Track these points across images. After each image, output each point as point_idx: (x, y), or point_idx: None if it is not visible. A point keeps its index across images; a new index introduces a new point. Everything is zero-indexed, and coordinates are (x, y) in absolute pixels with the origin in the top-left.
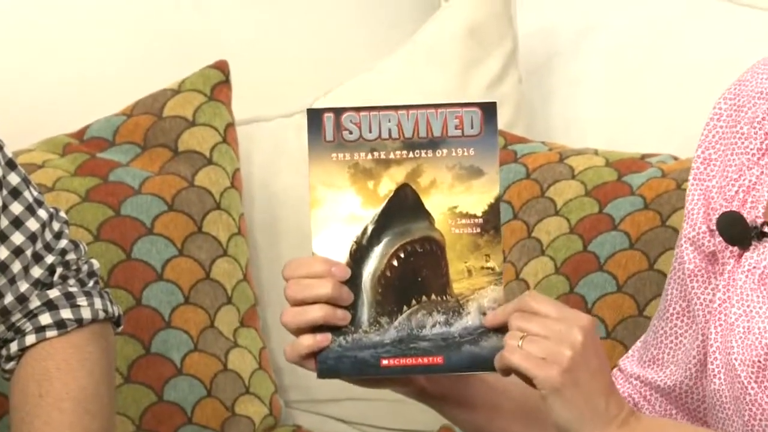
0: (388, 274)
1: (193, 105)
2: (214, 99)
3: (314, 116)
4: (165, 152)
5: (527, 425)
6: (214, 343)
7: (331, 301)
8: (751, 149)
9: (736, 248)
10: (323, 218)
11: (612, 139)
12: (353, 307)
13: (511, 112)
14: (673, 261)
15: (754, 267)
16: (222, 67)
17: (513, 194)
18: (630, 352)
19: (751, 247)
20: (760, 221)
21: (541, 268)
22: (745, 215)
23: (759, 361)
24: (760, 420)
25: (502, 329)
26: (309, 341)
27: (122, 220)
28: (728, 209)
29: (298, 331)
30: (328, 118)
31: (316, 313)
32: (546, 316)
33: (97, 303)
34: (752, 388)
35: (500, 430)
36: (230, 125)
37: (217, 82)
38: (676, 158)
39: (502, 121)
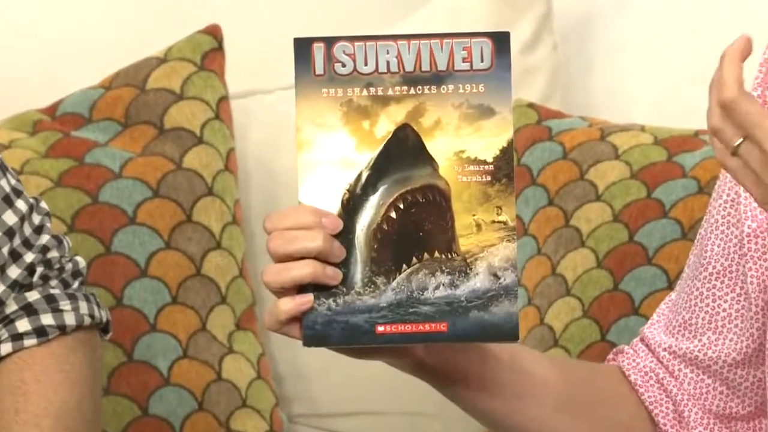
0: (386, 227)
1: (180, 76)
2: (204, 69)
3: (302, 46)
4: (149, 130)
5: (570, 420)
6: (206, 349)
7: (320, 257)
8: None
9: None
10: (311, 163)
11: (661, 113)
12: (345, 265)
13: (545, 83)
14: (712, 215)
15: None
16: (214, 32)
17: (548, 177)
18: (654, 317)
19: None
20: None
21: (581, 262)
22: None
23: None
24: None
25: (515, 291)
26: (288, 304)
27: (100, 207)
28: None
29: (282, 292)
30: (318, 49)
31: (303, 269)
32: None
33: (83, 307)
34: None
35: (523, 424)
36: (223, 99)
37: (209, 50)
38: None
39: (535, 93)
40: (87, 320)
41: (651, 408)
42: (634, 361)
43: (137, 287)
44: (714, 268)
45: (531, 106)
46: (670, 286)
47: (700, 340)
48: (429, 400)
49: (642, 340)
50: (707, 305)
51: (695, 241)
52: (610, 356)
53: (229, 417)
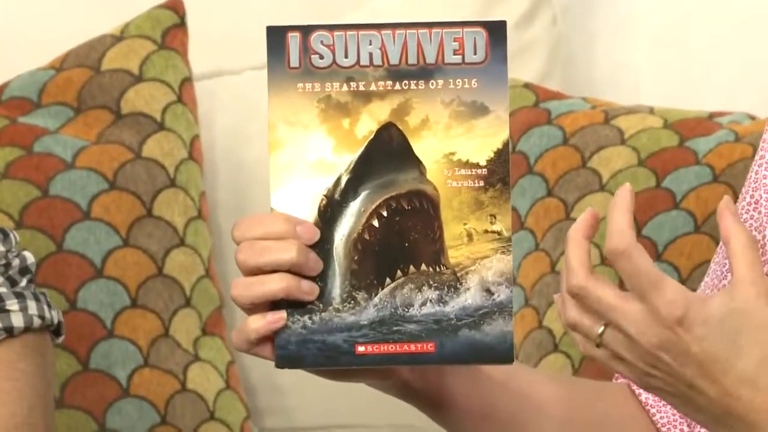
0: (367, 237)
1: (139, 55)
2: (165, 47)
3: (275, 36)
4: (104, 115)
5: None
6: (169, 357)
7: (294, 270)
8: None
9: None
10: (285, 165)
11: (671, 94)
12: (322, 279)
13: (544, 61)
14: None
15: None
16: (175, 6)
17: (546, 164)
18: None
19: None
20: None
21: None
22: None
23: None
24: None
25: (510, 308)
26: (259, 322)
27: (51, 201)
28: None
29: (252, 309)
30: (293, 39)
31: (276, 284)
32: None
33: (32, 307)
34: None
35: None
36: (187, 80)
37: (170, 26)
38: (752, 117)
39: (532, 72)
40: (37, 322)
41: (664, 430)
42: None
43: (92, 289)
44: None
45: (527, 86)
46: (683, 284)
47: None
48: (415, 411)
49: None
50: None
51: (717, 248)
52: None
53: (195, 431)
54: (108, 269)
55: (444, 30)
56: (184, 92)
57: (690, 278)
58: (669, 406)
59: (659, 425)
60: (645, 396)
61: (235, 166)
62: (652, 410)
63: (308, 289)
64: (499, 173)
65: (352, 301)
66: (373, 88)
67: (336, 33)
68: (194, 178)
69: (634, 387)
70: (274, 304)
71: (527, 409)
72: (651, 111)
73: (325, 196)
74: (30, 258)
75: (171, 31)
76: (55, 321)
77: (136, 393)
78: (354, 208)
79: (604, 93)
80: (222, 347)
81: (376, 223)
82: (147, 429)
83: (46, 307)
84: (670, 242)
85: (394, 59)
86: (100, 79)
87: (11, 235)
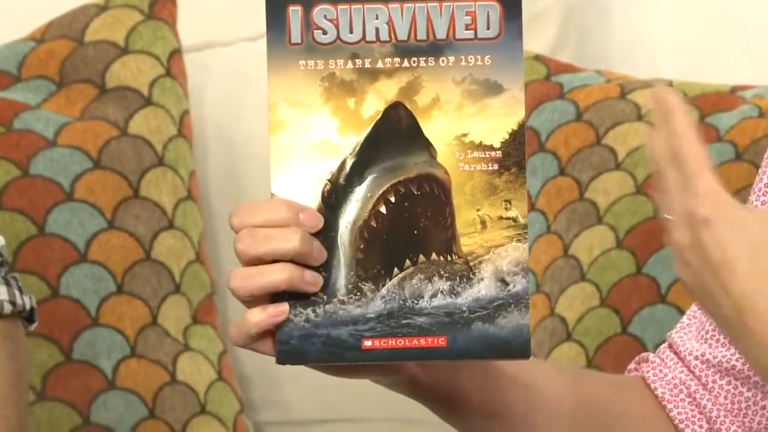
0: (374, 224)
1: (125, 26)
2: (153, 17)
3: (275, 10)
4: (88, 90)
5: None
6: (157, 347)
7: (297, 259)
8: None
9: None
10: (287, 148)
11: (690, 67)
12: (326, 269)
13: (556, 31)
14: (751, 201)
15: None
16: None
17: (559, 141)
18: (684, 320)
19: None
20: None
21: (598, 241)
22: None
23: None
24: None
25: (526, 300)
26: (259, 315)
27: (32, 181)
28: None
29: (252, 301)
30: (294, 13)
31: (277, 274)
32: None
33: (2, 292)
34: None
35: None
36: (176, 52)
37: None
38: None
39: (544, 43)
40: (7, 308)
41: (681, 426)
42: (660, 371)
43: (76, 274)
44: None
45: (538, 58)
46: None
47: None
48: (416, 405)
49: (670, 346)
50: None
51: None
52: (632, 366)
53: (186, 425)
54: (92, 253)
55: (455, 3)
56: (172, 65)
57: None
58: (686, 401)
59: (676, 421)
60: (661, 391)
61: (228, 143)
62: (669, 405)
63: (312, 280)
64: (514, 156)
65: (358, 293)
66: (379, 65)
67: (340, 7)
68: (184, 156)
69: (650, 381)
70: (275, 296)
71: (540, 404)
72: (669, 84)
73: (329, 180)
74: (0, 240)
75: (159, 1)
76: (28, 307)
77: (123, 385)
78: (360, 193)
79: (620, 66)
80: (214, 336)
81: (383, 209)
82: (134, 423)
83: (17, 292)
84: None
85: (402, 35)
86: (84, 52)
87: None
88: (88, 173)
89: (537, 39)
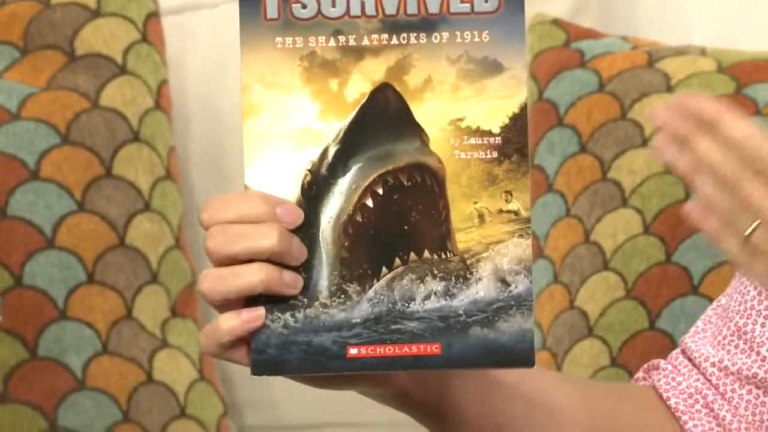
0: (359, 219)
1: None
2: None
3: None
4: (56, 57)
5: None
6: (132, 342)
7: (274, 259)
8: None
9: None
10: (262, 134)
11: (726, 34)
12: (306, 269)
13: None
14: None
15: None
16: None
17: (579, 114)
18: (699, 324)
19: None
20: None
21: (623, 226)
22: None
23: None
24: None
25: (530, 302)
26: (232, 321)
27: None
28: None
29: (224, 305)
30: None
31: (253, 276)
32: None
33: None
34: None
35: None
36: (153, 15)
37: None
38: None
39: (563, 6)
40: None
41: None
42: (674, 379)
43: (42, 262)
44: None
45: (556, 22)
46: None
47: (758, 353)
48: None
49: (683, 352)
50: (767, 308)
51: None
52: (640, 374)
53: (164, 429)
54: (60, 239)
55: None
56: (149, 29)
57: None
58: (703, 412)
59: None
60: (674, 401)
61: (211, 116)
62: (684, 417)
63: (291, 281)
64: (516, 142)
65: (343, 295)
66: (365, 42)
67: None
68: (162, 131)
69: (662, 391)
70: (250, 300)
71: (542, 418)
72: (702, 52)
73: (309, 171)
74: None
75: None
76: None
77: (94, 385)
78: (344, 185)
79: (648, 31)
80: (194, 331)
81: (369, 202)
82: (106, 427)
83: None
84: None
85: (390, 9)
86: (51, 14)
87: None
88: (56, 149)
89: (555, 1)
